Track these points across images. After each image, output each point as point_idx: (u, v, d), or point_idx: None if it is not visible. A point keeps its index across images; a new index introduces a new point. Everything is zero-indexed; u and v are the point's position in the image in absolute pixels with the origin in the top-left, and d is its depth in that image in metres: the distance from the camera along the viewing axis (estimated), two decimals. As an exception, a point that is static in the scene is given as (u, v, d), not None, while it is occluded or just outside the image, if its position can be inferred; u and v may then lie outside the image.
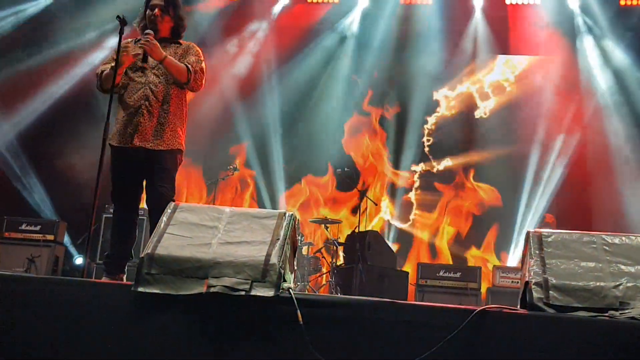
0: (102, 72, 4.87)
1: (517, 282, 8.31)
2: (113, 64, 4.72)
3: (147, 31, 4.75)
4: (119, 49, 4.69)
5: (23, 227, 9.17)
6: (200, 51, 5.01)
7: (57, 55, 10.96)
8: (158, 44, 4.73)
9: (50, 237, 9.11)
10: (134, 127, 4.73)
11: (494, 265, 9.08)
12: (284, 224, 3.28)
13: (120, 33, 4.72)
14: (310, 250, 9.26)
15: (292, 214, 3.36)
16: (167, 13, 4.92)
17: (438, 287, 8.72)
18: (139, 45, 4.74)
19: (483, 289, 8.81)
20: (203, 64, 4.95)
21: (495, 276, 8.73)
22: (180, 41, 5.02)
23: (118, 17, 4.69)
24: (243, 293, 2.97)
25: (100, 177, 4.53)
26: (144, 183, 4.87)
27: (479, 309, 2.88)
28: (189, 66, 4.82)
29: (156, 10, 4.89)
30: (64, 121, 11.02)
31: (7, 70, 10.64)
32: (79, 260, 10.09)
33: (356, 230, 9.61)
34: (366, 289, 8.30)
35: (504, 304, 3.07)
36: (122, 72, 4.76)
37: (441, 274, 8.80)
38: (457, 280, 8.73)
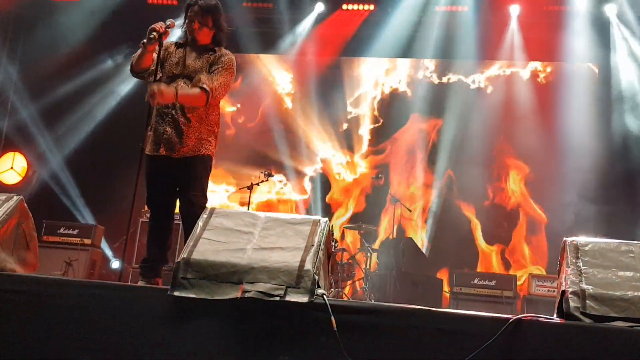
0: (135, 55, 4.89)
1: (553, 291, 8.20)
2: (142, 50, 4.77)
3: (150, 91, 4.61)
4: (158, 60, 4.76)
5: (61, 230, 9.31)
6: (229, 61, 4.90)
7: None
8: (162, 92, 4.58)
9: (88, 241, 9.23)
10: (161, 135, 4.77)
11: (530, 274, 8.97)
12: (319, 230, 3.29)
13: (160, 43, 4.74)
14: (344, 256, 9.24)
15: (326, 220, 3.36)
16: (206, 24, 4.88)
17: (473, 295, 8.64)
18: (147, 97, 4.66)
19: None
20: (226, 75, 4.84)
21: (531, 285, 8.62)
22: (216, 48, 4.95)
23: (150, 33, 4.68)
24: (277, 299, 2.98)
25: (137, 182, 4.59)
26: (178, 188, 4.91)
27: (514, 317, 2.85)
28: (205, 87, 4.71)
29: (194, 23, 4.87)
30: (104, 127, 11.24)
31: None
32: (115, 264, 10.21)
33: (390, 237, 9.58)
34: (400, 296, 8.28)
35: (539, 313, 3.04)
36: (150, 58, 4.79)
37: (476, 281, 8.72)
38: (492, 289, 8.64)
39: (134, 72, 4.93)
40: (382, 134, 11.66)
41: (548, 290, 8.42)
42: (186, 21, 4.94)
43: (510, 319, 2.85)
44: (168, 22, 4.78)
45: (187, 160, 4.79)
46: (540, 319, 2.92)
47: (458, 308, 8.48)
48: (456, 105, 11.27)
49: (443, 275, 10.16)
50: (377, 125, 11.74)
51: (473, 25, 11.04)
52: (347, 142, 11.74)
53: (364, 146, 11.72)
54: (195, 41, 4.91)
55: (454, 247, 10.57)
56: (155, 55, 4.80)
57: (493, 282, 8.68)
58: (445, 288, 9.21)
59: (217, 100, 4.86)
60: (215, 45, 4.97)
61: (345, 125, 11.80)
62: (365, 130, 11.76)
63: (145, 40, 4.69)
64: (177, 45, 4.99)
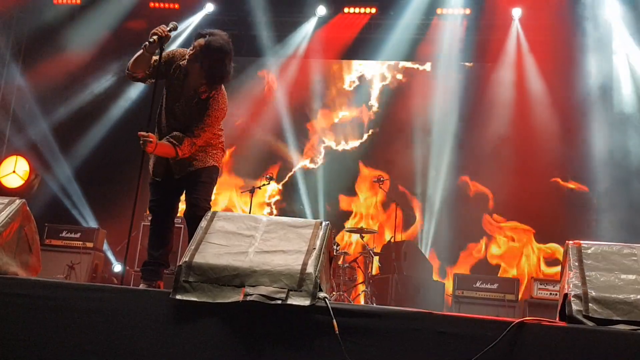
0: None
1: (556, 294, 8.18)
2: (141, 52, 4.73)
3: (142, 140, 4.57)
4: (159, 64, 4.75)
5: (64, 234, 9.33)
6: (215, 113, 4.78)
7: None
8: (150, 144, 4.57)
9: (90, 244, 9.25)
10: (168, 162, 4.81)
11: (532, 277, 8.95)
12: (320, 233, 3.29)
13: (161, 48, 4.70)
14: (345, 259, 9.24)
15: (327, 223, 3.37)
16: (199, 61, 4.68)
17: (475, 298, 8.61)
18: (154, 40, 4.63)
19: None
20: (207, 129, 4.76)
21: (533, 288, 8.59)
22: (206, 92, 4.77)
23: (152, 36, 4.63)
24: (279, 302, 2.97)
25: (139, 185, 4.60)
26: (181, 194, 4.94)
27: (517, 321, 2.85)
28: (178, 151, 4.65)
29: (196, 65, 4.70)
30: (107, 131, 11.29)
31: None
32: (117, 268, 10.22)
33: (392, 240, 9.57)
34: (402, 300, 8.27)
35: (542, 317, 3.03)
36: (149, 59, 4.75)
37: (478, 285, 8.70)
38: (494, 292, 8.62)
39: (129, 73, 4.85)
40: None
41: (550, 294, 8.39)
42: (192, 51, 4.74)
43: (513, 322, 2.85)
44: (171, 25, 4.74)
45: (196, 171, 4.83)
46: (543, 322, 2.91)
47: (460, 311, 8.47)
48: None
49: (445, 278, 10.17)
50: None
51: (475, 29, 11.09)
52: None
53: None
54: (194, 75, 4.77)
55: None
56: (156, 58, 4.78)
57: (495, 285, 8.67)
58: (448, 291, 9.19)
59: (182, 154, 4.75)
60: (211, 84, 4.77)
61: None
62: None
63: (146, 43, 4.67)
64: (180, 68, 4.84)
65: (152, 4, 11.43)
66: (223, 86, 4.87)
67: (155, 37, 4.62)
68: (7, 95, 11.90)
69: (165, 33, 4.66)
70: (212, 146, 4.92)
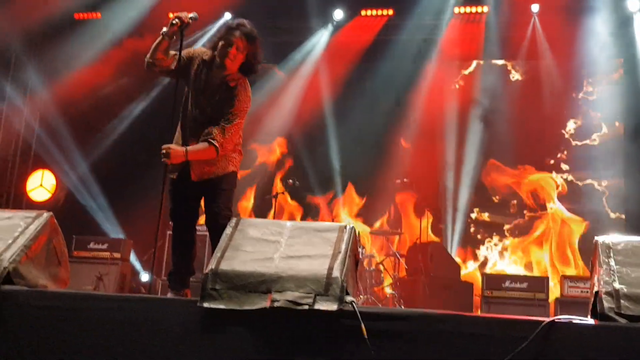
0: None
1: (587, 292, 8.08)
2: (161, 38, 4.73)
3: (162, 154, 4.64)
4: (180, 50, 4.77)
5: (91, 245, 9.40)
6: (245, 101, 4.84)
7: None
8: (172, 152, 4.63)
9: (117, 255, 9.30)
10: (187, 166, 4.81)
11: (562, 275, 8.85)
12: (345, 236, 3.28)
13: (181, 34, 4.70)
14: (371, 262, 9.21)
15: (352, 227, 3.35)
16: (242, 52, 4.77)
17: (504, 298, 8.51)
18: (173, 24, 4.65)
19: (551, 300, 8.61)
20: (237, 121, 4.78)
21: (563, 286, 8.49)
22: (240, 79, 4.85)
23: (172, 19, 4.65)
24: (306, 307, 2.96)
25: (163, 194, 4.62)
26: (202, 201, 4.94)
27: (547, 320, 2.81)
28: (214, 143, 4.68)
29: (231, 48, 4.74)
30: (129, 141, 11.38)
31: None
32: (145, 277, 10.28)
33: (418, 242, 9.53)
34: (430, 301, 8.22)
35: (573, 315, 2.99)
36: (165, 46, 4.74)
37: (507, 284, 8.60)
38: (524, 291, 8.52)
39: (149, 62, 4.82)
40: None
41: (581, 291, 8.28)
42: (221, 42, 4.79)
43: (543, 321, 2.81)
44: (193, 14, 4.70)
45: (217, 177, 4.82)
46: (574, 321, 2.87)
47: (490, 312, 8.39)
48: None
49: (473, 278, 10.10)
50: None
51: (494, 26, 11.04)
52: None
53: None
54: (223, 66, 4.80)
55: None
56: (175, 62, 4.80)
57: (525, 285, 8.56)
58: (476, 292, 9.12)
59: (227, 149, 4.81)
60: (242, 74, 4.87)
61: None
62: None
63: (165, 29, 4.69)
64: (203, 62, 4.91)
65: (170, 14, 11.50)
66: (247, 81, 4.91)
67: (177, 19, 4.63)
68: (32, 110, 12.06)
69: (187, 19, 4.67)
70: (231, 150, 4.92)
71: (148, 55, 4.81)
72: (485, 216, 11.23)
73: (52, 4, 11.20)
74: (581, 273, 9.84)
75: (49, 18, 11.46)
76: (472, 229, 11.22)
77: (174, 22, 4.64)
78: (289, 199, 11.25)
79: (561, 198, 10.95)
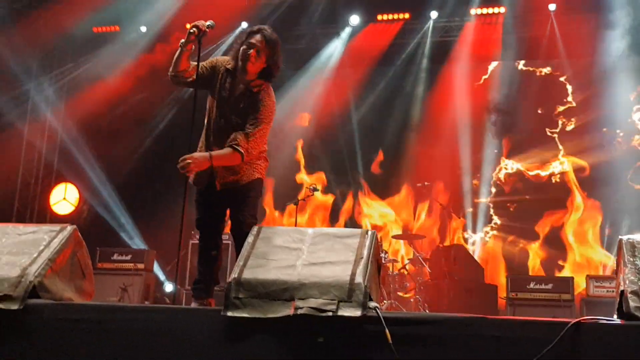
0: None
1: (612, 292, 8.00)
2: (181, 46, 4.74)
3: (181, 163, 4.59)
4: (198, 60, 4.77)
5: (115, 257, 9.46)
6: (270, 106, 4.82)
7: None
8: (196, 160, 4.60)
9: (141, 265, 9.35)
10: (212, 173, 4.79)
11: (587, 275, 8.77)
12: (367, 242, 3.28)
13: (199, 43, 4.70)
14: (394, 267, 9.19)
15: (374, 232, 3.35)
16: (263, 55, 4.76)
17: (529, 299, 8.44)
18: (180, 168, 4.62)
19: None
20: (262, 127, 4.76)
21: (589, 286, 8.41)
22: (263, 85, 4.84)
23: (191, 27, 4.65)
24: (330, 314, 2.96)
25: (185, 204, 4.63)
26: (228, 210, 4.94)
27: (573, 321, 2.79)
28: (239, 149, 4.66)
29: (252, 50, 4.74)
30: (150, 153, 11.47)
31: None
32: (169, 287, 10.34)
33: (440, 245, 9.50)
34: (454, 305, 8.18)
35: (599, 315, 2.96)
36: (187, 56, 4.74)
37: (532, 286, 8.53)
38: (549, 292, 8.44)
39: (172, 75, 4.84)
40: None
41: (607, 291, 8.20)
42: (243, 47, 4.79)
43: (569, 322, 2.79)
44: (209, 22, 4.69)
45: (243, 185, 4.82)
46: (600, 321, 2.85)
47: (515, 314, 8.33)
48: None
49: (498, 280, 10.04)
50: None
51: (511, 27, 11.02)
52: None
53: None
54: (245, 71, 4.80)
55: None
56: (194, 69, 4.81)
57: (550, 286, 8.49)
58: (501, 294, 9.06)
59: (253, 156, 4.80)
60: (263, 80, 4.85)
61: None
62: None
63: (183, 40, 4.70)
64: (227, 71, 4.92)
65: (187, 25, 11.55)
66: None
67: (195, 28, 4.64)
68: (54, 125, 12.20)
69: (205, 27, 4.67)
70: (259, 155, 4.89)
71: (170, 69, 4.84)
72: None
73: (70, 19, 11.35)
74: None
75: (68, 33, 11.61)
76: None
77: (191, 30, 4.65)
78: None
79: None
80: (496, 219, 11.18)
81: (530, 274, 10.42)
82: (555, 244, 10.72)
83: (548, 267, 10.60)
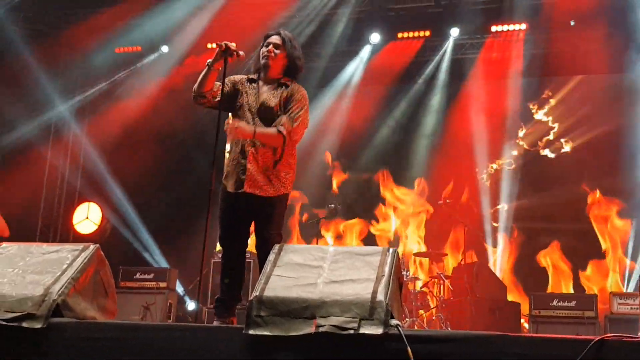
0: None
1: (637, 309, 7.92)
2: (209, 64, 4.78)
3: (229, 126, 4.69)
4: (224, 79, 4.77)
5: (137, 276, 9.51)
6: (304, 96, 4.90)
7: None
8: (240, 128, 4.68)
9: (163, 284, 9.38)
10: (243, 173, 4.78)
11: (611, 292, 8.67)
12: (388, 259, 3.27)
13: (225, 62, 4.72)
14: (416, 284, 9.15)
15: (395, 249, 3.34)
16: (282, 51, 4.86)
17: (552, 317, 8.37)
18: (220, 46, 4.68)
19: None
20: (303, 113, 4.83)
21: (612, 303, 8.32)
22: (288, 82, 4.91)
23: (219, 44, 4.69)
24: (351, 332, 2.96)
25: (207, 223, 4.63)
26: (252, 226, 4.92)
27: (597, 338, 2.76)
28: (282, 130, 4.72)
29: (270, 47, 4.85)
30: (173, 173, 11.55)
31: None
32: (191, 306, 10.36)
33: (462, 262, 9.44)
34: (476, 323, 8.13)
35: (623, 333, 2.93)
36: (214, 76, 4.77)
37: (555, 303, 8.45)
38: (572, 310, 8.37)
39: (196, 95, 4.88)
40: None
41: (631, 308, 8.11)
42: (260, 49, 4.90)
43: (593, 340, 2.76)
44: (240, 51, 4.76)
45: (270, 198, 4.80)
46: (625, 339, 2.82)
47: (538, 332, 8.25)
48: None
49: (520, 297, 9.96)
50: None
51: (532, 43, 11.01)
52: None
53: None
54: (268, 71, 4.87)
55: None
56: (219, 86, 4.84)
57: (573, 303, 8.41)
58: (523, 311, 8.98)
59: (294, 141, 4.83)
60: (288, 78, 4.93)
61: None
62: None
63: (210, 60, 4.75)
64: (249, 80, 4.98)
65: (209, 45, 11.66)
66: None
67: (223, 44, 4.68)
68: (76, 145, 12.35)
69: (233, 48, 4.71)
70: (286, 167, 4.90)
71: (195, 88, 4.87)
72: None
73: (92, 40, 11.53)
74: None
75: (90, 53, 11.78)
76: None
77: (221, 46, 4.71)
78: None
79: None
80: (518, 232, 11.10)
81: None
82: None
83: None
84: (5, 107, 10.64)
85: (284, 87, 4.89)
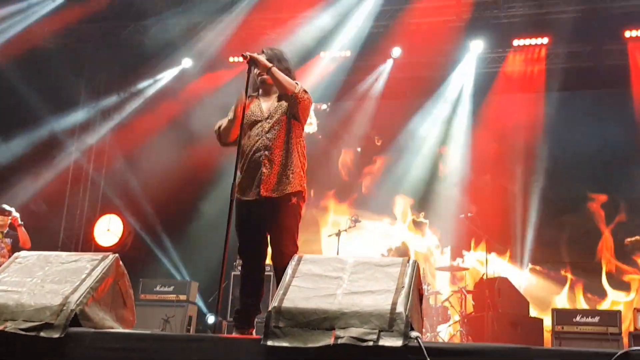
0: (220, 126, 5.04)
1: (663, 325, 7.78)
2: (230, 117, 4.90)
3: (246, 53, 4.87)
4: (247, 88, 4.84)
5: (158, 288, 9.52)
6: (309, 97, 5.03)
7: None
8: (258, 57, 4.87)
9: (183, 297, 9.39)
10: (258, 179, 4.79)
11: (635, 308, 8.52)
12: (408, 271, 3.24)
13: (248, 72, 4.84)
14: (437, 299, 9.08)
15: (415, 261, 3.31)
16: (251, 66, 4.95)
17: (575, 333, 8.23)
18: (245, 57, 4.84)
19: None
20: (307, 95, 4.95)
21: (637, 319, 8.17)
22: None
23: (243, 55, 4.83)
24: (371, 343, 2.92)
25: (228, 236, 4.61)
26: (269, 237, 4.91)
27: (620, 352, 2.70)
28: (297, 82, 4.92)
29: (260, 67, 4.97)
30: (194, 185, 11.58)
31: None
32: (211, 319, 10.35)
33: (484, 277, 9.36)
34: (498, 338, 8.03)
35: (648, 347, 2.87)
36: (238, 124, 4.82)
37: (578, 319, 8.32)
38: (595, 325, 8.24)
39: (223, 144, 5.06)
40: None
41: (656, 324, 7.97)
42: (252, 72, 4.98)
43: (616, 352, 2.70)
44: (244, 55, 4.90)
45: (284, 201, 4.78)
46: (650, 353, 2.76)
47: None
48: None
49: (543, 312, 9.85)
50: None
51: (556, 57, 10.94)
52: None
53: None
54: (266, 84, 4.99)
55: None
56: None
57: (596, 319, 8.28)
58: (547, 327, 8.86)
59: (302, 101, 4.88)
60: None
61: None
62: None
63: (232, 114, 4.86)
64: (249, 97, 5.03)
65: (231, 59, 11.73)
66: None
67: (247, 55, 4.84)
68: (99, 156, 12.45)
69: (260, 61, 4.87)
70: (297, 169, 4.88)
71: (221, 138, 5.04)
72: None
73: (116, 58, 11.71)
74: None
75: (115, 63, 11.94)
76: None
77: (244, 54, 4.85)
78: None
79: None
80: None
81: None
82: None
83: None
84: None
85: (284, 96, 4.96)
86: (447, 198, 11.30)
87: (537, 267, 10.93)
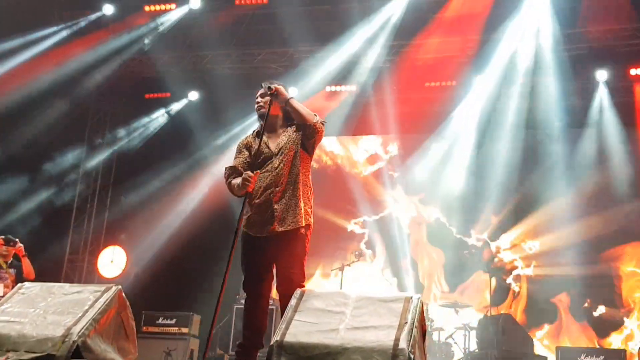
0: (230, 182, 4.94)
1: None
2: (239, 192, 4.82)
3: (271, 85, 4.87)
4: (266, 118, 4.85)
5: (160, 320, 9.49)
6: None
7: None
8: (280, 89, 4.84)
9: (185, 329, 9.36)
10: (270, 215, 4.77)
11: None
12: (411, 307, 3.23)
13: (270, 104, 4.84)
14: (441, 335, 9.01)
15: (418, 297, 3.30)
16: (269, 100, 4.92)
17: (581, 372, 8.17)
18: (268, 89, 4.83)
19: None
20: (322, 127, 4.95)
21: (641, 359, 8.12)
22: (291, 124, 4.97)
23: (269, 87, 4.81)
24: (373, 379, 2.91)
25: (228, 268, 4.58)
26: (274, 269, 4.88)
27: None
28: (317, 115, 4.88)
29: (258, 98, 4.99)
30: (198, 218, 11.60)
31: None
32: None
33: (488, 314, 9.29)
34: (503, 376, 7.96)
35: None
36: (252, 190, 4.77)
37: (582, 357, 8.25)
38: (600, 365, 8.17)
39: (238, 196, 4.96)
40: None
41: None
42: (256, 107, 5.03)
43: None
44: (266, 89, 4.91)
45: (292, 234, 4.76)
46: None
47: (565, 386, 8.05)
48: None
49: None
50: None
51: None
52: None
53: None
54: (270, 118, 4.93)
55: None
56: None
57: (601, 358, 8.21)
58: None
59: (318, 130, 4.87)
60: (290, 121, 4.99)
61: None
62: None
63: (241, 185, 4.80)
64: (256, 134, 5.03)
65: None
66: None
67: (274, 87, 4.83)
68: (102, 188, 12.50)
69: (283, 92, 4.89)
70: (306, 200, 4.87)
71: (235, 192, 4.91)
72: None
73: (124, 86, 11.81)
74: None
75: (120, 97, 12.05)
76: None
77: (270, 87, 4.84)
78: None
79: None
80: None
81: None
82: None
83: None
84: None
85: (292, 126, 4.95)
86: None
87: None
